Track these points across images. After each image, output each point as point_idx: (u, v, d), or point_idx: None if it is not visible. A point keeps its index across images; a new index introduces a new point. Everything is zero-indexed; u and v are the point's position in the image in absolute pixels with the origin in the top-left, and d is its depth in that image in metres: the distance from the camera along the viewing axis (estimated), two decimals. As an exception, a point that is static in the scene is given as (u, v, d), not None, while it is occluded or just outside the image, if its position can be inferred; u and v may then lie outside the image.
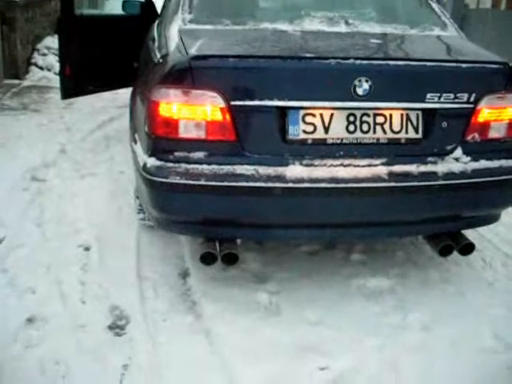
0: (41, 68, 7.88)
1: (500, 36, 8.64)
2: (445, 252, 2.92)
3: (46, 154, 4.67)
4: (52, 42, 8.28)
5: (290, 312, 2.82)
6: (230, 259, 2.76)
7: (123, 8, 5.07)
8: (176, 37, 2.81)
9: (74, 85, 4.87)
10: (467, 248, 2.91)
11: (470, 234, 3.06)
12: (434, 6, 3.45)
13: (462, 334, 2.70)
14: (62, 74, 4.86)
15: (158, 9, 4.30)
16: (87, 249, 3.31)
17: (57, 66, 6.32)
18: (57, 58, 5.81)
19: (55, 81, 6.67)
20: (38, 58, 7.99)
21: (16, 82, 7.38)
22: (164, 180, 2.54)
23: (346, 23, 3.02)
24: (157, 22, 3.71)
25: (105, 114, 6.03)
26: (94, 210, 3.76)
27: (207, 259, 2.74)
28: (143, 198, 2.83)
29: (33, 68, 7.85)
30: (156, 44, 3.13)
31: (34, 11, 8.06)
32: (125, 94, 4.30)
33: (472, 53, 3.01)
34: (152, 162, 2.60)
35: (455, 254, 2.95)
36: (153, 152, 2.62)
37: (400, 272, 3.17)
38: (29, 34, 7.88)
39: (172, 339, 2.60)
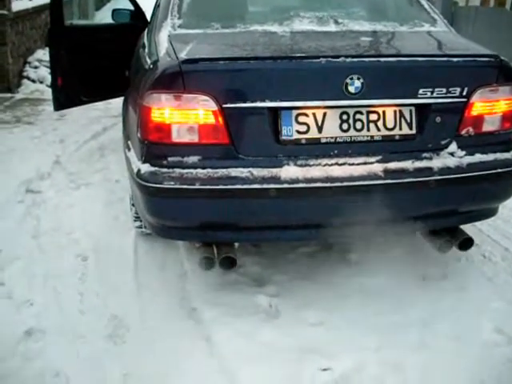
0: (33, 81, 7.86)
1: (489, 33, 8.66)
2: (444, 248, 2.91)
3: (40, 166, 4.64)
4: (43, 54, 8.27)
5: (290, 314, 2.80)
6: (229, 263, 2.74)
7: (113, 17, 5.06)
8: (166, 42, 2.80)
9: (66, 96, 4.84)
10: (466, 243, 2.90)
11: (468, 228, 3.05)
12: (423, 2, 3.45)
13: (463, 329, 2.69)
14: (53, 85, 4.83)
15: (148, 17, 4.29)
16: (85, 259, 3.29)
17: (49, 79, 6.29)
18: (48, 70, 5.79)
19: (47, 93, 6.65)
20: (29, 71, 7.97)
21: (8, 95, 7.35)
22: (158, 186, 2.52)
23: (336, 22, 3.02)
24: (147, 30, 3.70)
25: (98, 124, 6.01)
26: (90, 220, 3.74)
27: (205, 264, 2.72)
28: (139, 205, 2.81)
29: (25, 81, 7.83)
30: (146, 50, 3.12)
31: (24, 24, 8.04)
32: (118, 103, 4.28)
33: (463, 47, 3.01)
34: (146, 168, 2.58)
35: (454, 249, 2.94)
36: (146, 158, 2.60)
37: (399, 270, 3.15)
38: (20, 47, 7.86)
39: (172, 346, 2.58)
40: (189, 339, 2.63)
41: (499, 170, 2.75)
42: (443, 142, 2.72)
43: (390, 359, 2.50)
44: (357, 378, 2.41)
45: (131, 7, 5.11)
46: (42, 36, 8.79)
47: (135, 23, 4.79)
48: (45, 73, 7.82)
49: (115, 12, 5.07)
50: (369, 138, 2.64)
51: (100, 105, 6.06)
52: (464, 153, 2.72)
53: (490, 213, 3.05)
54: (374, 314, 2.80)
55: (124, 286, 3.02)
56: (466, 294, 2.96)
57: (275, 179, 2.53)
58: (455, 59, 2.69)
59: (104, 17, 12.21)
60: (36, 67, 8.10)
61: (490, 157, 2.76)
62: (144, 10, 5.10)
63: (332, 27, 2.99)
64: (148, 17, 4.35)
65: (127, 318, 2.77)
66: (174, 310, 2.84)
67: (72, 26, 5.50)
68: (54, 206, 4.01)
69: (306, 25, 2.98)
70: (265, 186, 2.52)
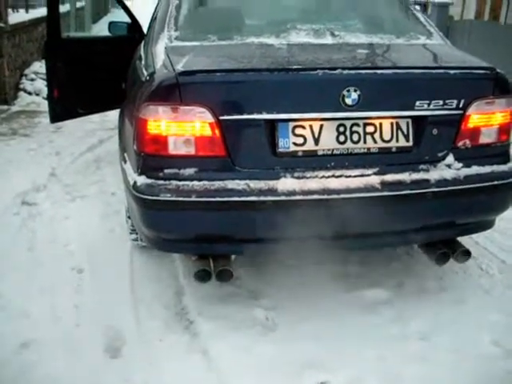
0: (29, 93, 7.87)
1: (484, 46, 8.71)
2: (441, 260, 2.90)
3: (36, 178, 4.64)
4: (40, 67, 8.28)
5: (288, 327, 2.78)
6: (225, 276, 2.72)
7: (109, 29, 5.08)
8: (162, 54, 2.80)
9: (63, 108, 4.84)
10: (463, 255, 2.90)
11: (464, 241, 3.04)
12: (419, 15, 3.46)
13: (461, 341, 2.68)
14: (50, 97, 4.84)
15: (145, 30, 4.30)
16: (80, 271, 3.27)
17: (45, 91, 6.30)
18: (45, 82, 5.80)
19: (44, 105, 6.65)
20: (26, 84, 7.98)
21: (5, 107, 7.35)
22: (155, 198, 2.51)
23: (332, 35, 3.03)
24: (143, 42, 3.71)
25: (94, 137, 6.01)
26: (85, 232, 3.72)
27: (201, 277, 2.71)
28: (134, 217, 2.80)
29: (21, 93, 7.83)
30: (143, 62, 3.13)
31: (20, 37, 8.06)
32: (114, 116, 4.28)
33: (459, 59, 3.02)
34: (142, 180, 2.57)
35: (451, 261, 2.93)
36: (142, 170, 2.60)
37: (396, 282, 3.15)
38: (16, 60, 7.87)
39: (169, 359, 2.56)
40: (186, 353, 2.61)
41: (496, 183, 2.75)
42: (440, 154, 2.72)
43: (389, 372, 2.49)
44: (355, 391, 2.40)
45: (128, 20, 5.12)
46: (38, 48, 8.80)
47: (132, 36, 4.80)
48: (41, 85, 7.83)
49: (112, 24, 5.09)
50: (365, 150, 2.64)
51: (96, 117, 6.06)
52: (461, 165, 2.72)
53: (487, 225, 3.04)
54: (372, 327, 2.78)
55: (120, 299, 3.00)
56: (464, 307, 2.95)
57: (272, 191, 2.52)
58: (452, 71, 2.70)
59: (101, 30, 12.25)
60: (32, 79, 8.11)
61: (487, 169, 2.76)
62: (141, 22, 5.12)
63: (328, 39, 3.00)
64: (145, 29, 4.36)
65: (124, 330, 2.75)
66: (171, 323, 2.82)
67: (69, 38, 5.51)
68: (50, 218, 3.99)
69: (303, 37, 2.99)
70: (262, 198, 2.51)
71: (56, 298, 2.99)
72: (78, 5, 14.44)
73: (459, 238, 3.00)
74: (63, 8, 10.91)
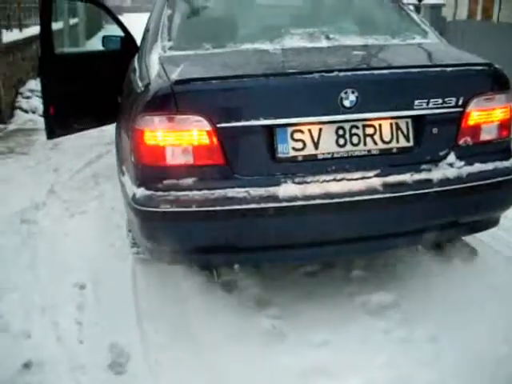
0: (25, 111, 7.86)
1: (478, 45, 8.70)
2: (446, 260, 2.86)
3: (34, 196, 4.60)
4: (35, 85, 8.27)
5: (295, 336, 2.74)
6: (229, 286, 2.69)
7: (103, 44, 5.05)
8: (157, 64, 2.78)
9: (59, 124, 4.81)
10: (469, 254, 2.86)
11: (470, 240, 3.00)
12: (413, 15, 3.45)
13: (472, 342, 2.63)
14: (46, 114, 4.81)
15: (139, 43, 4.27)
16: (82, 287, 3.23)
17: (41, 108, 6.28)
18: (41, 100, 5.78)
19: (40, 123, 6.57)
20: (22, 102, 7.97)
21: (1, 126, 7.32)
22: (154, 209, 2.48)
23: (327, 38, 3.00)
24: (137, 54, 3.69)
25: (92, 152, 5.98)
26: (86, 248, 3.67)
27: (206, 287, 2.67)
28: (135, 229, 2.76)
29: (17, 111, 7.82)
30: (137, 74, 3.10)
31: (15, 55, 8.06)
32: (111, 130, 4.25)
33: (456, 57, 2.99)
34: (141, 192, 2.54)
35: (457, 260, 2.89)
36: (141, 182, 2.57)
37: (402, 284, 3.10)
38: (11, 78, 7.86)
39: (174, 373, 2.52)
40: (191, 367, 2.56)
41: (499, 179, 2.72)
42: (441, 153, 2.69)
43: (400, 377, 2.44)
44: (366, 397, 2.36)
45: (122, 33, 5.09)
46: (33, 66, 8.80)
47: (126, 49, 4.77)
48: (37, 103, 7.81)
49: (106, 39, 5.06)
50: (366, 153, 2.61)
51: (94, 132, 6.00)
52: (463, 163, 2.69)
53: (492, 223, 3.00)
54: (380, 331, 2.74)
55: (123, 314, 2.95)
56: (471, 306, 2.89)
57: (273, 198, 2.49)
58: (449, 69, 2.67)
59: (95, 45, 12.24)
60: (28, 97, 8.10)
61: (490, 166, 2.73)
62: (135, 35, 5.09)
63: (323, 43, 2.97)
64: (139, 42, 4.33)
65: (128, 346, 2.71)
66: (175, 337, 2.77)
67: (63, 53, 5.48)
68: (50, 235, 3.94)
69: (297, 41, 2.96)
70: (263, 205, 2.48)
71: (58, 316, 2.95)
72: (72, 22, 14.48)
73: (464, 237, 2.96)
74: (57, 25, 10.91)
